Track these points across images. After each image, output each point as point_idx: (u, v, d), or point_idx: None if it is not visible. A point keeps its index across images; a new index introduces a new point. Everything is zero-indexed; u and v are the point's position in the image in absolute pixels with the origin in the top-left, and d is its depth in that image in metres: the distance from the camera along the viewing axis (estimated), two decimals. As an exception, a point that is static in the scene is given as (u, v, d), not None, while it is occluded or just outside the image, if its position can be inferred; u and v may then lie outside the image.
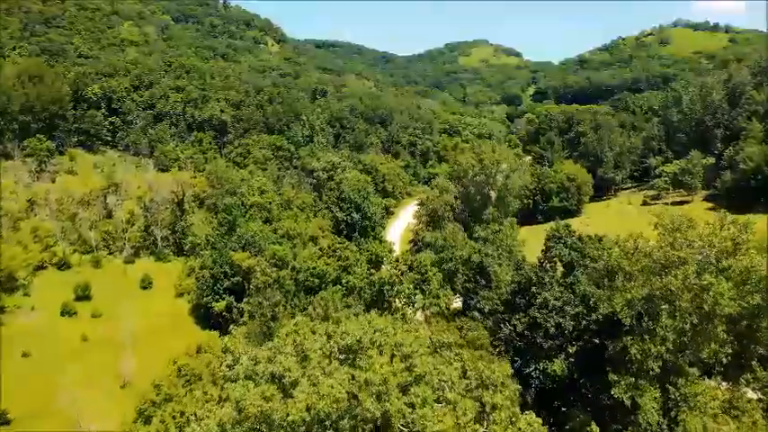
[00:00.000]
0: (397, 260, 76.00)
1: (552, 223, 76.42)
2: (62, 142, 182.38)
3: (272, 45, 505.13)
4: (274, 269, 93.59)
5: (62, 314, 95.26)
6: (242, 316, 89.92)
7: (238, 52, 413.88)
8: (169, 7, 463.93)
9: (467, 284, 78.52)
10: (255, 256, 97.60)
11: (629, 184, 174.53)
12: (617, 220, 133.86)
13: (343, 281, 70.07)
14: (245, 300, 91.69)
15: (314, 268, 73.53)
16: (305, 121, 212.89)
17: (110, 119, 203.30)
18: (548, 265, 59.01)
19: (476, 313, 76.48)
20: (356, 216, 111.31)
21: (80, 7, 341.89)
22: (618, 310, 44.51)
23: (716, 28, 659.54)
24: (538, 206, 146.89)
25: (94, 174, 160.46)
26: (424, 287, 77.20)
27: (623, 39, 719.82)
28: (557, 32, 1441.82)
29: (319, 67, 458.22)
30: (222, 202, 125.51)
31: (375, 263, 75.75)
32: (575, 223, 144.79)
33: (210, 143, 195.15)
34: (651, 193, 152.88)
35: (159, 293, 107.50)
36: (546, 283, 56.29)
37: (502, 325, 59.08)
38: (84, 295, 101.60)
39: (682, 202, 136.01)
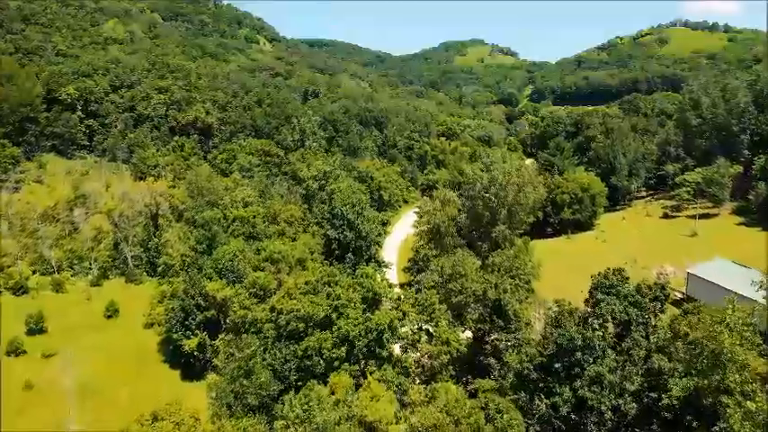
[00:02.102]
0: (399, 298, 63.63)
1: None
2: (32, 147, 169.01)
3: (265, 44, 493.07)
4: (255, 300, 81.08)
5: (8, 353, 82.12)
6: (216, 355, 77.48)
7: (229, 51, 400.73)
8: (158, 5, 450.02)
9: (480, 325, 66.18)
10: (234, 284, 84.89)
11: (644, 193, 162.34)
12: (637, 237, 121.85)
13: (334, 327, 57.66)
14: (220, 336, 79.13)
15: (298, 310, 61.15)
16: (295, 124, 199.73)
17: (86, 122, 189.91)
18: (596, 323, 46.71)
19: (492, 360, 64.20)
20: (350, 235, 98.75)
21: (63, 4, 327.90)
22: (736, 428, 32.13)
23: (714, 27, 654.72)
24: (548, 218, 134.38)
25: (66, 182, 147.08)
26: (430, 328, 64.77)
27: (621, 38, 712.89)
28: (552, 32, 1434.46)
29: (312, 67, 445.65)
30: (201, 217, 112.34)
31: (372, 300, 63.40)
32: (589, 238, 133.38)
33: (193, 148, 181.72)
34: (670, 203, 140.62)
35: (125, 324, 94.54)
36: (595, 348, 44.08)
37: (537, 399, 46.70)
38: (37, 328, 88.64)
39: (707, 216, 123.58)
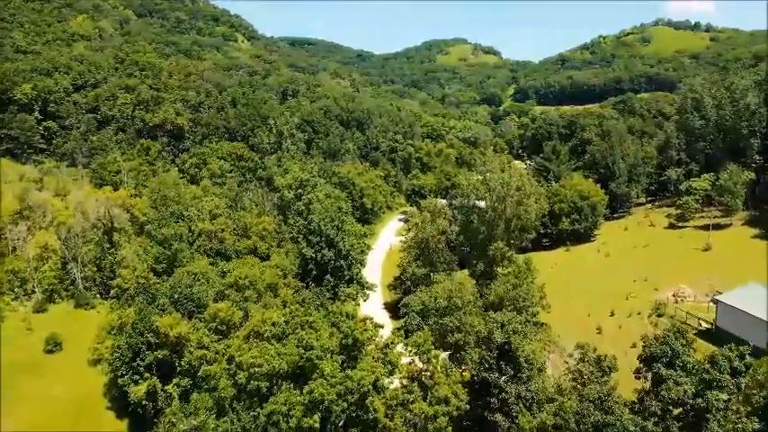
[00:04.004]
0: (386, 345, 51.79)
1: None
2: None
3: (243, 42, 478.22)
4: (215, 337, 69.13)
5: None
6: (170, 404, 65.40)
7: (204, 49, 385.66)
8: (132, 1, 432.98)
9: (484, 372, 54.97)
10: (192, 316, 72.98)
11: (643, 200, 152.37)
12: (643, 250, 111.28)
13: (306, 390, 46.01)
14: (174, 381, 67.02)
15: (259, 366, 49.31)
16: (272, 126, 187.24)
17: (44, 123, 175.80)
18: (655, 406, 35.66)
19: (499, 417, 53.04)
20: (328, 254, 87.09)
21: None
22: None
23: (696, 27, 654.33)
24: (545, 228, 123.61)
25: (17, 190, 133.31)
26: (424, 379, 53.25)
27: (604, 38, 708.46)
28: (532, 32, 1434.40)
29: (292, 66, 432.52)
30: (160, 233, 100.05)
31: (353, 346, 51.58)
32: (590, 251, 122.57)
33: (161, 152, 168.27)
34: (673, 211, 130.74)
35: (69, 360, 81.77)
36: (658, 444, 33.20)
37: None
38: (-39, 369, 75.53)
39: (719, 226, 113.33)
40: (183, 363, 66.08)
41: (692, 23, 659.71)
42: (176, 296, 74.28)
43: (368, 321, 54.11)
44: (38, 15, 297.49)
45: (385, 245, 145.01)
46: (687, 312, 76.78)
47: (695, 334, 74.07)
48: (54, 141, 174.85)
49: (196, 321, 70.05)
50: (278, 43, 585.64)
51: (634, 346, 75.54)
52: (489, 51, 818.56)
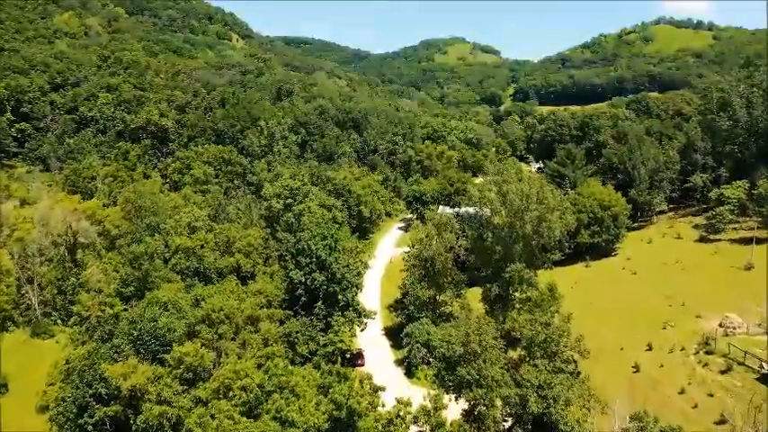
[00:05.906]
0: (390, 422, 39.73)
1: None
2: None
3: (237, 41, 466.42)
4: (180, 387, 56.93)
5: None
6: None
7: (197, 48, 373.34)
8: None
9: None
10: (156, 357, 60.77)
11: (665, 207, 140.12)
12: (675, 267, 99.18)
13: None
14: (128, 443, 54.87)
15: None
16: (263, 127, 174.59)
17: (17, 125, 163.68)
18: None
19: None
20: (320, 278, 74.96)
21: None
22: None
23: (699, 26, 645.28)
24: (562, 242, 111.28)
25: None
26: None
27: (605, 36, 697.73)
28: (527, 31, 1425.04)
29: (287, 65, 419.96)
30: (130, 251, 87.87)
31: (348, 418, 39.71)
32: (613, 267, 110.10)
33: (141, 156, 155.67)
34: (699, 221, 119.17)
35: (15, 404, 69.74)
36: None
37: None
38: None
39: (760, 240, 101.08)
40: (139, 421, 53.82)
41: (695, 22, 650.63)
42: (136, 333, 62.04)
43: (365, 383, 42.05)
44: (20, 12, 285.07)
45: (384, 258, 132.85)
46: (745, 352, 64.49)
47: (756, 379, 62.34)
48: (27, 144, 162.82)
49: (157, 367, 57.82)
50: (273, 42, 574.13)
51: (682, 391, 63.97)
52: (488, 50, 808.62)
